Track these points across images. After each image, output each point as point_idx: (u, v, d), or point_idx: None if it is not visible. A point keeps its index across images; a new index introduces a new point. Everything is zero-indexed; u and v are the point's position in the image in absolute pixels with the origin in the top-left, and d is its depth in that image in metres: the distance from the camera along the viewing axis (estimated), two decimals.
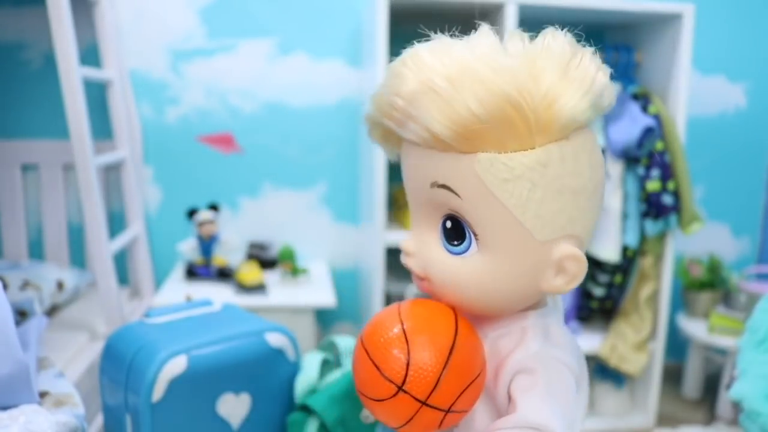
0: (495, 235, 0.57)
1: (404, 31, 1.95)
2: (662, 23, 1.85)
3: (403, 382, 0.57)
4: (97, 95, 1.82)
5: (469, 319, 0.62)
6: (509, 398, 0.57)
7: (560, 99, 0.52)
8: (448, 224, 0.59)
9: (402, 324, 0.58)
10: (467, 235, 0.58)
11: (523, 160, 0.53)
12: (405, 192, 0.64)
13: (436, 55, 0.54)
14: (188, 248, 1.86)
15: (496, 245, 0.57)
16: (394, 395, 0.57)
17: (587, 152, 0.56)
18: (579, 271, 0.58)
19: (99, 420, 1.42)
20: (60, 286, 1.66)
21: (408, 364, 0.57)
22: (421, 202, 0.60)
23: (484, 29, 0.58)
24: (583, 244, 0.60)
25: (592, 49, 0.57)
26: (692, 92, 2.14)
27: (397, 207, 1.96)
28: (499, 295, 0.59)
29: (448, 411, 0.58)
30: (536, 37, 0.57)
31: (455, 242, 0.58)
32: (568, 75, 0.53)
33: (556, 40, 0.55)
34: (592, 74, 0.54)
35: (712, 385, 2.23)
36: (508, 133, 0.52)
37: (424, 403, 0.57)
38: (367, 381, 0.59)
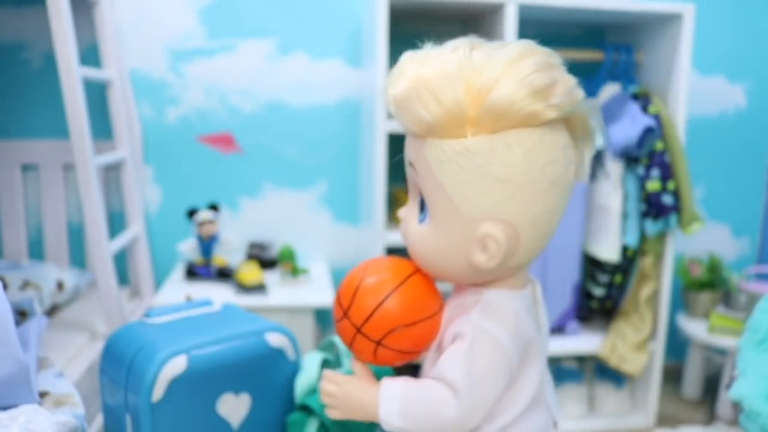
0: (435, 207, 0.70)
1: (404, 31, 1.95)
2: (662, 23, 1.85)
3: (348, 308, 0.74)
4: (97, 95, 1.82)
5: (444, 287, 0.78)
6: None
7: (492, 93, 0.62)
8: (420, 198, 0.72)
9: (366, 267, 0.76)
10: (425, 207, 0.71)
11: (455, 146, 0.65)
12: (406, 191, 0.75)
13: (409, 65, 0.67)
14: (188, 248, 1.86)
15: (436, 216, 0.70)
16: (341, 319, 0.75)
17: (525, 149, 0.65)
18: (498, 251, 0.68)
19: (99, 420, 1.42)
20: (60, 286, 1.66)
21: (354, 295, 0.74)
22: (409, 180, 0.74)
23: (461, 41, 0.68)
24: (518, 232, 0.69)
25: (552, 53, 0.66)
26: (692, 92, 2.14)
27: (397, 207, 1.96)
28: (440, 261, 0.72)
29: (378, 343, 0.73)
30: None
31: (422, 212, 0.72)
32: (507, 72, 0.63)
33: (509, 45, 0.65)
34: (529, 72, 0.62)
35: (712, 385, 2.23)
36: (447, 125, 0.65)
37: (358, 330, 0.73)
38: (333, 304, 0.78)
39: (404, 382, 0.72)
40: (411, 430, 0.70)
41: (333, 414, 0.76)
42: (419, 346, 0.75)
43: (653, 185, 1.81)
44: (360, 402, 0.74)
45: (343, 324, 0.75)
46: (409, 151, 0.71)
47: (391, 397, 0.71)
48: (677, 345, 2.31)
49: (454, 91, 0.63)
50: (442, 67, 0.65)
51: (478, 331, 0.69)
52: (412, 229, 0.73)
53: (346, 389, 0.75)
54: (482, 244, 0.68)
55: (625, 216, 1.86)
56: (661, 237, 1.89)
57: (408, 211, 0.75)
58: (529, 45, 0.66)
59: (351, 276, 0.76)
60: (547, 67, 0.63)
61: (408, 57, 0.68)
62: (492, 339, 0.68)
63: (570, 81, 0.66)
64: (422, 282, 0.75)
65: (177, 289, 1.78)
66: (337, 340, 1.04)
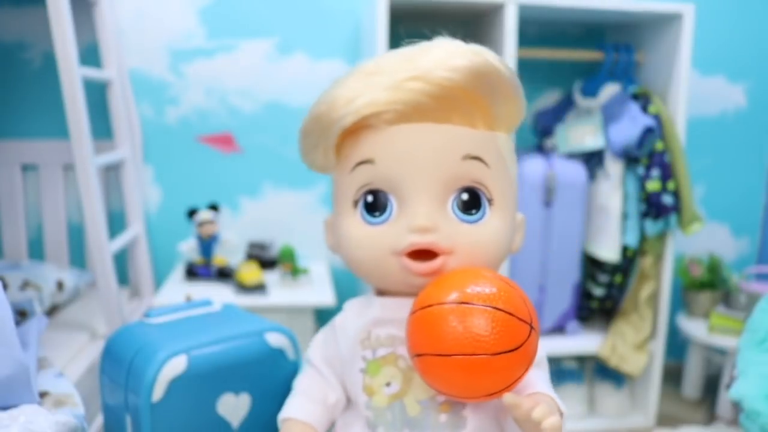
0: (505, 199, 0.70)
1: (404, 31, 1.95)
2: (662, 23, 1.85)
3: (531, 320, 0.62)
4: (97, 95, 1.82)
5: None
6: None
7: (522, 98, 0.70)
8: (465, 196, 0.68)
9: (497, 279, 0.63)
10: (482, 203, 0.68)
11: (510, 140, 0.73)
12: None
13: (467, 56, 0.65)
14: (188, 248, 1.86)
15: (504, 208, 0.70)
16: (529, 335, 0.61)
17: None
18: (524, 234, 0.76)
19: (99, 420, 1.42)
20: (60, 286, 1.66)
21: (526, 304, 0.63)
22: (438, 178, 0.67)
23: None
24: None
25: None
26: (692, 92, 2.14)
27: None
28: (504, 254, 0.72)
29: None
30: None
31: (472, 211, 0.68)
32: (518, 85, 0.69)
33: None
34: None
35: (712, 385, 2.23)
36: (514, 118, 0.70)
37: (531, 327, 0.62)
38: (505, 333, 0.60)
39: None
40: None
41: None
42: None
43: (653, 185, 1.81)
44: None
45: (530, 339, 0.62)
46: (465, 145, 0.66)
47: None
48: (677, 345, 2.31)
49: (519, 86, 0.68)
50: (500, 61, 0.66)
51: None
52: (466, 229, 0.67)
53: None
54: (519, 229, 0.75)
55: (625, 216, 1.86)
56: (661, 237, 1.89)
57: (438, 215, 0.67)
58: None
59: (514, 291, 0.63)
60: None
61: (459, 46, 0.65)
62: None
63: None
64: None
65: (177, 289, 1.78)
66: None
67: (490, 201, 0.69)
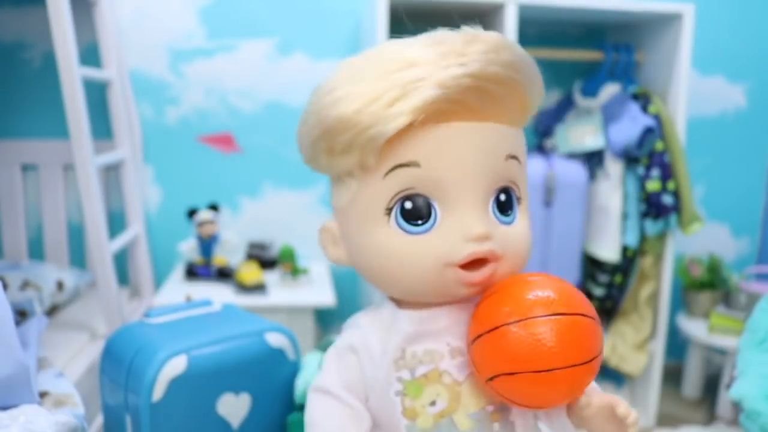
0: (526, 197, 0.67)
1: (404, 31, 1.95)
2: (662, 23, 1.85)
3: (593, 312, 0.62)
4: (97, 95, 1.82)
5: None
6: None
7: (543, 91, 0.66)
8: (502, 197, 0.64)
9: (549, 282, 0.62)
10: (514, 203, 0.65)
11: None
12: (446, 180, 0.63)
13: (511, 48, 0.62)
14: (188, 248, 1.86)
15: (526, 206, 0.67)
16: (599, 331, 0.62)
17: None
18: None
19: (99, 420, 1.42)
20: (60, 286, 1.66)
21: (582, 297, 0.63)
22: (484, 181, 0.62)
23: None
24: None
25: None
26: (692, 92, 2.14)
27: None
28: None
29: None
30: None
31: (508, 212, 0.65)
32: None
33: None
34: None
35: (712, 385, 2.23)
36: (531, 116, 0.66)
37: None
38: (588, 340, 0.60)
39: None
40: None
41: None
42: None
43: (653, 185, 1.81)
44: None
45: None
46: (507, 144, 0.63)
47: None
48: (677, 345, 2.31)
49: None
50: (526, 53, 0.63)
51: None
52: (513, 232, 0.64)
53: None
54: None
55: (625, 216, 1.86)
56: (661, 237, 1.89)
57: (487, 221, 0.63)
58: None
59: (586, 300, 0.64)
60: None
61: (500, 39, 0.61)
62: None
63: None
64: None
65: (177, 289, 1.78)
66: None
67: (518, 200, 0.66)
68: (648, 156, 1.81)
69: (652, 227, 1.83)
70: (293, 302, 1.73)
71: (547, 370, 0.57)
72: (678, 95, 1.80)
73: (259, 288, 1.75)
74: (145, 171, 1.99)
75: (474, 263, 0.61)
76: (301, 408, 0.99)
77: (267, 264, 1.96)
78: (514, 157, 0.64)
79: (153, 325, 0.97)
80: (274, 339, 0.96)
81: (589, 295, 1.99)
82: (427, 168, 0.60)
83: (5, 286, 1.23)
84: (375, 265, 0.65)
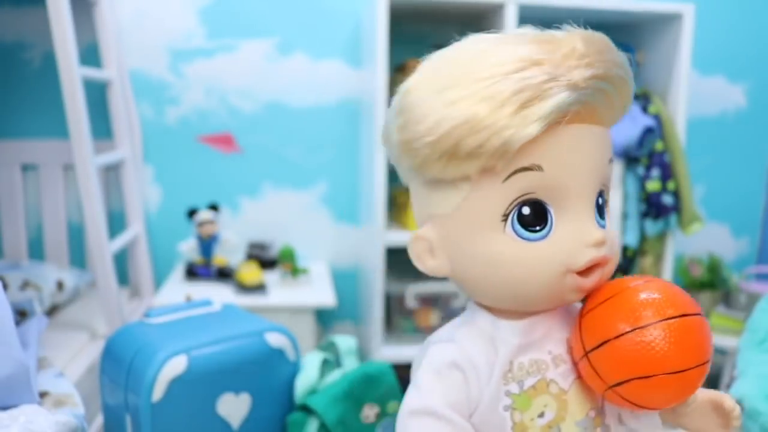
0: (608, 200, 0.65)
1: (404, 31, 1.95)
2: (662, 23, 1.85)
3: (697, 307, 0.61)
4: (97, 95, 1.82)
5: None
6: None
7: None
8: (600, 200, 0.63)
9: (649, 283, 0.61)
10: (604, 205, 0.64)
11: None
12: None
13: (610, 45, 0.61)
14: (188, 248, 1.86)
15: (609, 209, 0.65)
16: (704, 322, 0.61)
17: None
18: None
19: (99, 420, 1.42)
20: (60, 286, 1.66)
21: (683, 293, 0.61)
22: (594, 184, 0.61)
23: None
24: None
25: None
26: (692, 92, 2.14)
27: (396, 207, 1.96)
28: None
29: None
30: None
31: (604, 215, 0.63)
32: None
33: None
34: None
35: (712, 385, 2.22)
36: None
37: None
38: (709, 338, 0.61)
39: None
40: None
41: None
42: None
43: (653, 185, 1.81)
44: None
45: None
46: (609, 146, 0.62)
47: None
48: None
49: None
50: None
51: None
52: (614, 234, 0.64)
53: None
54: None
55: (624, 216, 1.86)
56: (661, 237, 1.89)
57: (594, 223, 0.62)
58: None
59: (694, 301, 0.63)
60: None
61: (605, 37, 0.60)
62: None
63: None
64: None
65: (177, 289, 1.78)
66: (337, 340, 1.03)
67: (606, 202, 0.64)
68: (648, 156, 1.81)
69: (652, 227, 1.83)
70: (293, 302, 1.73)
71: (683, 371, 0.59)
72: (678, 95, 1.80)
73: (259, 288, 1.75)
74: (145, 171, 1.99)
75: (588, 269, 0.61)
76: (301, 408, 0.99)
77: (267, 264, 1.96)
78: (611, 160, 0.63)
79: (153, 325, 0.97)
80: (274, 339, 0.96)
81: None
82: (549, 172, 0.58)
83: (5, 286, 1.24)
84: (487, 274, 0.62)
